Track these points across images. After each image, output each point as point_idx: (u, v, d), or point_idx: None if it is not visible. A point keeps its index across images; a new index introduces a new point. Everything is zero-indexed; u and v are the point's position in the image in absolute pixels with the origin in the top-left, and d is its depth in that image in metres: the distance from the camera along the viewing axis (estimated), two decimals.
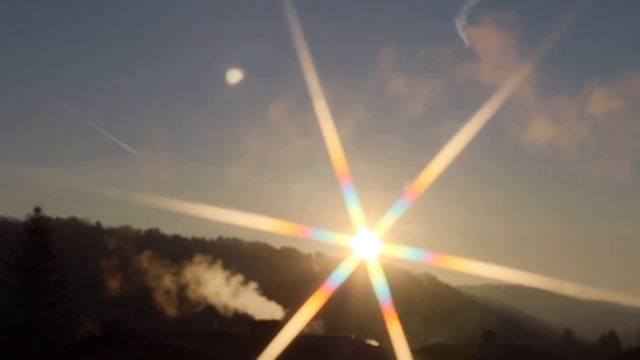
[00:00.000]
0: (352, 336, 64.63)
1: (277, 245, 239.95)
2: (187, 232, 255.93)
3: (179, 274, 58.01)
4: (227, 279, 52.25)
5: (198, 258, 55.01)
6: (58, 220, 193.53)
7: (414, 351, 48.05)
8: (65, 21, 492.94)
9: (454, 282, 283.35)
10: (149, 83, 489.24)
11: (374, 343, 59.96)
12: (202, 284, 53.73)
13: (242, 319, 51.46)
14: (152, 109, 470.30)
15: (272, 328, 39.43)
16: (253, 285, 51.14)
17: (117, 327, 40.91)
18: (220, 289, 52.18)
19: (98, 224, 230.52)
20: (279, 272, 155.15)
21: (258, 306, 49.55)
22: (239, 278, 51.70)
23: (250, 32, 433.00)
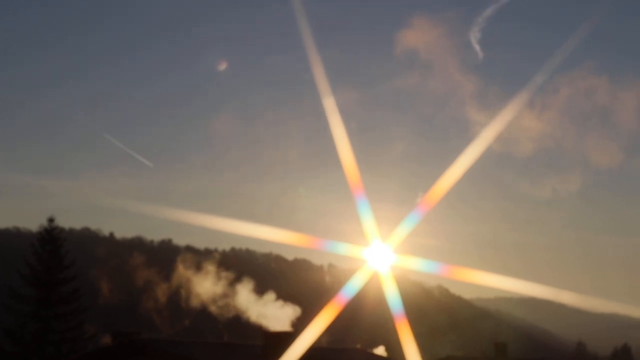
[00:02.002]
0: (358, 346, 64.55)
1: (290, 256, 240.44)
2: (199, 244, 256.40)
3: (174, 280, 57.85)
4: (231, 284, 52.13)
5: (183, 257, 54.75)
6: (71, 231, 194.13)
7: None
8: (82, 32, 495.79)
9: (466, 295, 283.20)
10: (163, 94, 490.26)
11: (380, 353, 59.81)
12: (203, 290, 53.59)
13: (237, 322, 51.17)
14: (166, 121, 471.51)
15: (284, 339, 39.35)
16: (250, 285, 50.88)
17: (130, 338, 40.85)
18: (221, 292, 52.06)
19: (111, 234, 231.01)
20: (292, 284, 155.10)
21: (257, 309, 49.26)
22: (247, 284, 51.57)
23: (266, 44, 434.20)
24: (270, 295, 50.10)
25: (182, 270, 57.45)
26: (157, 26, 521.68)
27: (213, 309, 52.96)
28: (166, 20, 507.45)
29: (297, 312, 48.05)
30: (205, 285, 53.45)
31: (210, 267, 54.96)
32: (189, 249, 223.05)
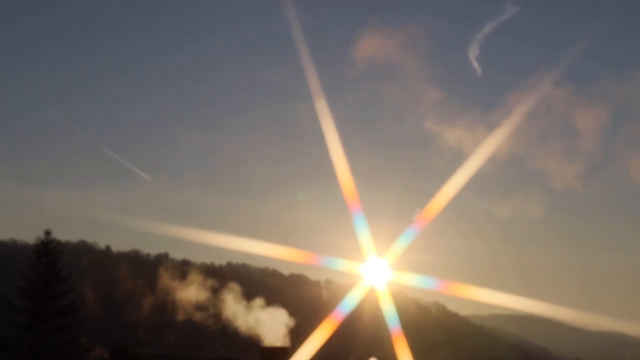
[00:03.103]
0: None
1: (286, 271, 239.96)
2: (196, 258, 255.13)
3: (159, 289, 57.49)
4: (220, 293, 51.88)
5: (166, 266, 54.69)
6: (68, 243, 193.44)
7: None
8: (81, 45, 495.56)
9: (463, 311, 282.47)
10: (162, 109, 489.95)
11: None
12: (188, 298, 53.27)
13: (226, 331, 50.82)
14: (166, 135, 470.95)
15: (280, 354, 39.35)
16: (236, 288, 50.64)
17: (126, 351, 40.80)
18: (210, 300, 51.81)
19: (108, 247, 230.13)
20: (288, 299, 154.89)
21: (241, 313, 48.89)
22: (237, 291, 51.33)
23: (265, 58, 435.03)
24: (259, 301, 49.95)
25: (166, 280, 57.26)
26: (157, 41, 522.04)
27: (199, 316, 52.85)
28: (166, 35, 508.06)
29: (285, 316, 47.92)
30: (191, 293, 53.30)
31: (195, 275, 54.84)
32: (185, 262, 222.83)
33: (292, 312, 54.41)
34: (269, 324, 47.95)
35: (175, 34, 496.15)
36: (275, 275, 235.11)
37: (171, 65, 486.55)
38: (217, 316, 51.15)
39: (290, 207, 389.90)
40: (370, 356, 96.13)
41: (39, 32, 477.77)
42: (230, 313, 49.61)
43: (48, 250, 61.75)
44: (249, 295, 53.72)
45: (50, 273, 61.05)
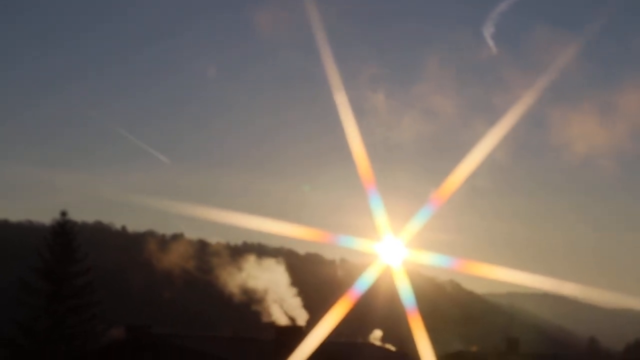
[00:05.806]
0: (359, 339, 64.39)
1: (302, 250, 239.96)
2: (211, 237, 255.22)
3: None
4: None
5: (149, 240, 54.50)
6: (84, 224, 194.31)
7: (439, 358, 47.78)
8: (95, 26, 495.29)
9: (478, 290, 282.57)
10: (179, 89, 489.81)
11: (377, 337, 59.80)
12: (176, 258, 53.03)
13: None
14: (181, 116, 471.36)
15: (296, 334, 39.30)
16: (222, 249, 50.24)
17: (142, 332, 40.85)
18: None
19: (123, 228, 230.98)
20: (303, 278, 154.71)
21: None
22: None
23: (280, 41, 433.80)
24: (251, 258, 49.70)
25: (155, 253, 57.05)
26: (172, 21, 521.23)
27: (192, 288, 52.95)
28: (179, 14, 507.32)
29: (284, 270, 47.79)
30: (180, 264, 53.12)
31: (182, 244, 54.77)
32: (201, 242, 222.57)
33: (307, 291, 54.34)
34: (270, 283, 47.88)
35: (189, 14, 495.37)
36: (290, 254, 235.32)
37: (186, 45, 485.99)
38: (212, 285, 51.04)
39: (305, 186, 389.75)
40: (384, 334, 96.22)
41: (53, 14, 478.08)
42: (222, 278, 49.39)
43: (64, 231, 61.95)
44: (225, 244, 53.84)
45: (66, 253, 61.27)
